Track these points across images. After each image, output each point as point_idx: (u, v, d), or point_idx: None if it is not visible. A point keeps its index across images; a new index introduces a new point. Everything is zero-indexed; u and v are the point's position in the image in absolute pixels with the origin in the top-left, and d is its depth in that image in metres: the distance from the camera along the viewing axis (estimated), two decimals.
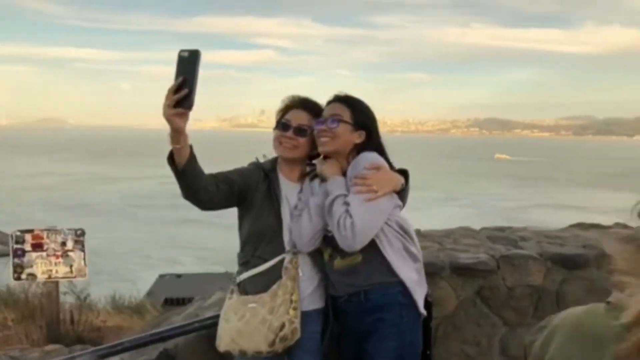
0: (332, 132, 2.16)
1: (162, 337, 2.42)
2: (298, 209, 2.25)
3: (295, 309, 2.14)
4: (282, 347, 2.12)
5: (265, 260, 2.17)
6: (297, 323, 2.14)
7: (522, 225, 3.66)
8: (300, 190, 2.30)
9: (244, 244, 2.26)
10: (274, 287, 2.13)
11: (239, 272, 2.24)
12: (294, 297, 2.14)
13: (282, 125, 2.24)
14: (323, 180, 2.22)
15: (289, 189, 2.26)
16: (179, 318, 3.10)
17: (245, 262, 2.22)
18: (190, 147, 1.93)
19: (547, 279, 2.84)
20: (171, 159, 1.92)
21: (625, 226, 3.64)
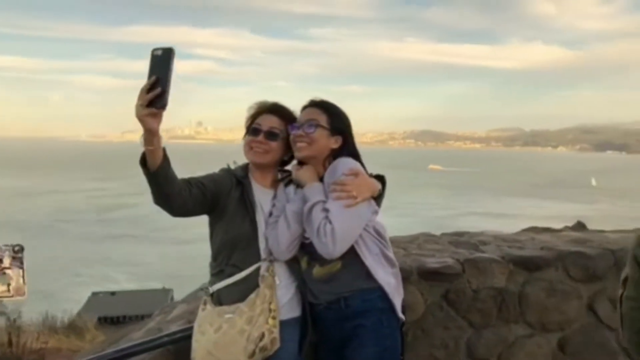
0: (309, 137, 2.13)
1: (128, 354, 2.28)
2: (274, 216, 2.20)
3: (274, 318, 2.09)
4: (261, 358, 2.07)
5: (241, 269, 2.11)
6: (276, 333, 2.09)
7: (479, 231, 3.76)
8: (274, 197, 2.26)
9: (216, 252, 2.18)
10: (252, 296, 2.07)
11: (212, 282, 2.16)
12: (272, 306, 2.09)
13: (252, 130, 2.20)
14: (299, 186, 2.19)
15: (262, 195, 2.21)
16: (139, 334, 2.94)
17: (219, 272, 2.14)
18: (164, 149, 1.85)
19: (510, 281, 2.93)
20: (143, 161, 1.83)
21: (573, 229, 3.83)
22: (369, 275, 2.10)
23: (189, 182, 2.01)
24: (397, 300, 2.16)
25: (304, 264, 2.20)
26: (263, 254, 2.13)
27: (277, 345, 2.09)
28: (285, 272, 2.19)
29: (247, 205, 2.14)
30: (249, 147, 2.21)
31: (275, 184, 2.29)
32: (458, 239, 3.40)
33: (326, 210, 2.00)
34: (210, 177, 2.14)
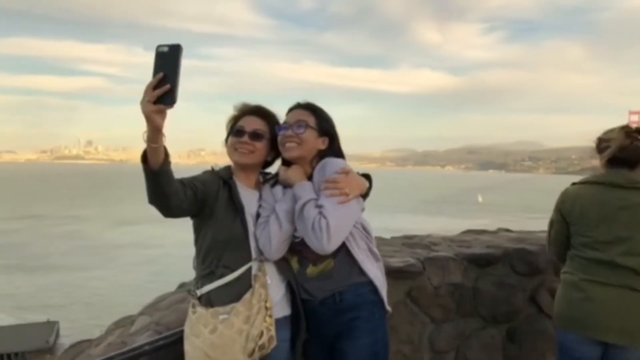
0: (298, 138, 2.18)
1: None
2: (263, 216, 2.21)
3: (270, 316, 2.10)
4: (259, 357, 2.06)
5: (232, 270, 2.09)
6: (273, 331, 2.09)
7: (425, 234, 3.99)
8: (260, 198, 2.28)
9: (205, 254, 2.14)
10: (247, 295, 2.06)
11: (201, 285, 2.12)
12: (267, 304, 2.09)
13: (236, 131, 2.21)
14: (287, 186, 2.23)
15: (247, 196, 2.22)
16: (97, 350, 2.78)
17: (209, 273, 2.10)
18: (165, 147, 1.82)
19: (465, 277, 3.14)
20: (144, 159, 1.79)
21: (507, 230, 4.19)
22: (360, 269, 2.18)
23: (182, 182, 1.99)
24: (384, 293, 2.26)
25: (294, 263, 2.23)
26: (254, 254, 2.13)
27: (274, 343, 2.10)
28: (275, 272, 2.21)
29: (237, 206, 2.14)
30: (233, 149, 2.21)
31: (258, 185, 2.31)
32: (409, 241, 3.59)
33: (319, 206, 2.05)
34: (199, 179, 2.11)
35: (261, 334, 2.05)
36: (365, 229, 2.26)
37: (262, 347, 2.05)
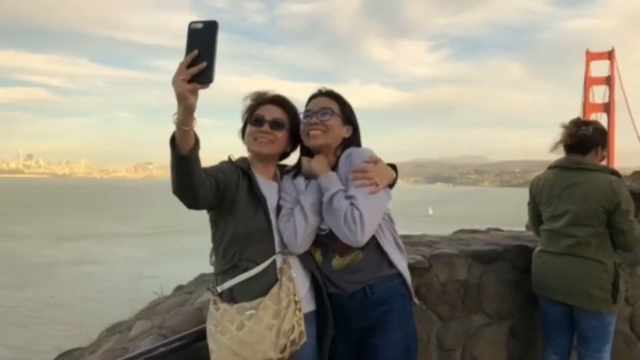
0: (324, 125, 2.12)
1: None
2: (286, 208, 2.13)
3: (299, 310, 2.01)
4: (289, 353, 1.96)
5: (257, 263, 1.98)
6: (303, 326, 2.01)
7: (420, 234, 3.97)
8: (279, 189, 2.19)
9: (226, 248, 2.02)
10: (274, 289, 1.96)
11: (222, 280, 2.00)
12: (296, 298, 2.01)
13: (254, 120, 2.12)
14: (310, 177, 2.15)
15: (266, 188, 2.13)
16: (94, 358, 2.58)
17: (231, 267, 1.99)
18: (194, 132, 1.71)
19: (470, 274, 3.14)
20: (173, 142, 1.67)
21: (497, 229, 4.23)
22: (389, 262, 2.12)
23: (205, 170, 1.87)
24: (411, 286, 2.20)
25: (318, 256, 2.16)
26: (277, 247, 2.05)
27: (305, 339, 2.00)
28: (299, 265, 2.12)
29: (259, 197, 2.05)
30: (252, 138, 2.12)
31: (276, 177, 2.23)
32: (409, 240, 3.56)
33: (350, 197, 1.99)
34: (218, 168, 2.00)
35: (292, 329, 1.95)
36: (391, 220, 2.21)
37: (293, 343, 1.95)
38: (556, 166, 3.02)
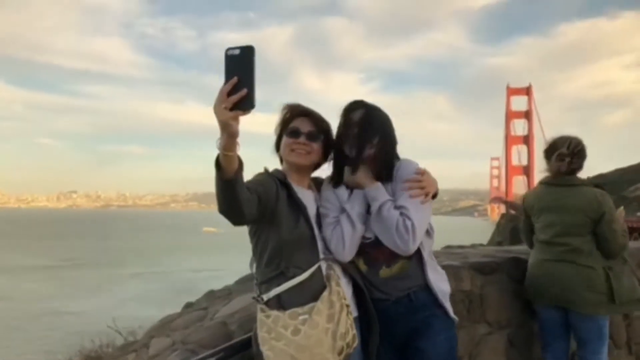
0: None
1: None
2: (332, 216, 2.18)
3: (350, 313, 2.05)
4: (345, 356, 1.98)
5: (304, 270, 2.01)
6: (354, 329, 2.03)
7: None
8: (315, 199, 2.24)
9: (270, 257, 2.03)
10: (325, 294, 1.98)
11: (268, 288, 2.00)
12: (346, 302, 2.04)
13: (291, 132, 2.18)
14: (353, 187, 2.21)
15: (304, 196, 2.17)
16: None
17: (277, 275, 2.00)
18: (238, 155, 1.74)
19: (473, 285, 3.26)
20: (217, 166, 1.71)
21: (481, 245, 4.41)
22: (430, 269, 2.21)
23: (247, 187, 1.90)
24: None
25: (362, 265, 2.21)
26: (321, 254, 2.08)
27: (357, 342, 2.03)
28: (341, 272, 2.16)
29: (300, 206, 2.08)
30: (289, 150, 2.17)
31: (311, 187, 2.27)
32: None
33: (400, 207, 2.07)
34: (257, 182, 2.02)
35: (347, 332, 1.98)
36: (432, 229, 2.29)
37: (348, 346, 1.99)
38: (547, 182, 3.25)
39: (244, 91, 1.58)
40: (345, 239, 2.10)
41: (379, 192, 2.13)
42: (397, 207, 2.07)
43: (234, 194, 1.74)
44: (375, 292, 2.18)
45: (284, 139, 2.18)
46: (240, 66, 1.60)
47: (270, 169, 2.17)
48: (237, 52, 1.62)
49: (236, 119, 1.60)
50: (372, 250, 2.17)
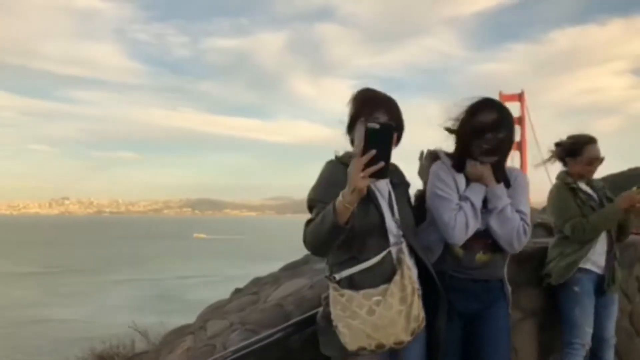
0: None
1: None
2: (455, 203, 2.32)
3: (420, 296, 2.14)
4: (415, 335, 2.09)
5: (375, 254, 2.09)
6: (423, 311, 2.13)
7: None
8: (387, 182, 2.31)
9: (343, 242, 2.06)
10: (396, 277, 2.07)
11: (340, 269, 2.08)
12: (416, 285, 2.13)
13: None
14: (473, 179, 2.36)
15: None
16: (174, 356, 2.56)
17: (350, 258, 2.08)
18: None
19: (509, 272, 3.37)
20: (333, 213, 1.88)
21: None
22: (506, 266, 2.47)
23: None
24: None
25: (458, 250, 2.35)
26: (391, 238, 2.14)
27: (424, 323, 2.13)
28: (408, 255, 2.21)
29: (370, 194, 2.11)
30: None
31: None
32: None
33: (521, 212, 2.31)
34: (331, 182, 2.08)
35: (419, 314, 2.09)
36: None
37: (419, 327, 2.10)
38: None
39: (381, 164, 1.81)
40: (469, 227, 2.27)
41: (503, 192, 2.32)
42: (517, 211, 2.30)
43: (337, 239, 1.94)
44: (464, 272, 2.36)
45: (358, 125, 2.16)
46: (379, 140, 1.82)
47: (340, 152, 2.23)
48: (377, 127, 1.84)
49: (367, 185, 1.83)
50: (472, 237, 2.33)
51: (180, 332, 2.87)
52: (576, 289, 3.37)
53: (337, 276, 2.06)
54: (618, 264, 3.41)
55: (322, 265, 3.19)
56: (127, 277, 44.79)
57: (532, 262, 3.54)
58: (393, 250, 2.12)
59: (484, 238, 2.33)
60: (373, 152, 1.78)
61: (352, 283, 2.05)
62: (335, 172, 2.11)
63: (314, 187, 2.12)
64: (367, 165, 1.80)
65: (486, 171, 2.33)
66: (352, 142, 2.29)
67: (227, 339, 2.49)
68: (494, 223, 2.29)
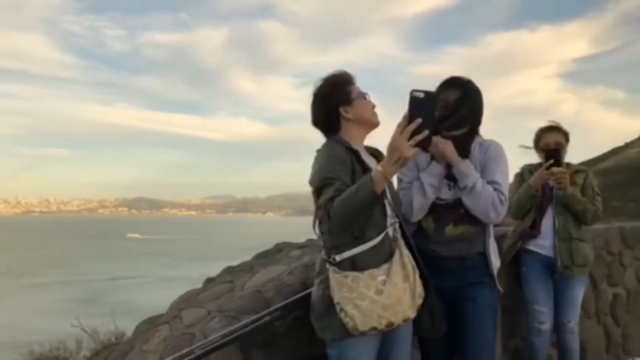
0: None
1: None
2: (405, 181, 2.37)
3: (416, 273, 2.16)
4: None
5: (377, 234, 2.08)
6: (421, 287, 2.15)
7: None
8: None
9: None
10: (396, 256, 2.08)
11: (340, 251, 2.05)
12: (413, 263, 2.15)
13: (363, 95, 2.24)
14: (436, 158, 2.37)
15: (370, 163, 2.20)
16: (151, 346, 2.46)
17: (352, 240, 2.05)
18: None
19: None
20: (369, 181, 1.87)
21: None
22: (484, 241, 2.43)
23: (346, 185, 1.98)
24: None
25: (430, 223, 2.39)
26: (390, 219, 2.15)
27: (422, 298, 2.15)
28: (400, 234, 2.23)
29: (367, 172, 2.06)
30: (373, 111, 2.27)
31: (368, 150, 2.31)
32: None
33: (494, 182, 2.31)
34: (342, 162, 2.07)
35: (422, 291, 2.12)
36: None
37: (420, 302, 2.12)
38: None
39: (427, 133, 1.75)
40: (414, 206, 2.31)
41: (470, 168, 2.32)
42: (489, 183, 2.30)
43: (369, 210, 1.94)
44: (434, 247, 2.38)
45: (361, 101, 2.22)
46: (424, 109, 1.77)
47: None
48: (421, 95, 1.78)
49: (414, 154, 1.80)
50: (444, 210, 2.37)
51: (151, 323, 2.75)
52: (523, 269, 3.54)
53: (338, 257, 2.03)
54: (581, 249, 3.43)
55: (297, 252, 3.19)
56: (52, 280, 42.78)
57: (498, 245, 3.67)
58: (390, 229, 2.14)
59: (455, 208, 2.35)
60: (419, 120, 1.74)
61: (354, 264, 2.02)
62: (338, 152, 2.11)
63: (324, 166, 2.05)
64: (413, 134, 1.76)
65: (448, 148, 2.33)
66: (330, 131, 2.24)
67: (206, 327, 2.40)
68: (467, 200, 2.31)
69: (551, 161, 3.27)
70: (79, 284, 40.32)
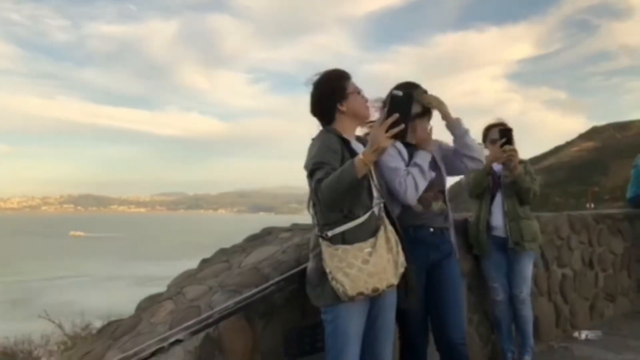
0: None
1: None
2: (403, 169, 2.72)
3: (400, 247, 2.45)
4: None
5: (364, 212, 2.35)
6: (404, 257, 2.43)
7: None
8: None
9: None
10: (381, 232, 2.36)
11: (332, 228, 2.31)
12: (396, 238, 2.44)
13: (359, 92, 2.53)
14: (420, 146, 2.80)
15: (358, 149, 2.43)
16: (158, 318, 2.65)
17: (342, 218, 2.31)
18: None
19: None
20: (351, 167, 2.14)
21: None
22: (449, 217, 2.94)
23: (334, 168, 2.24)
24: None
25: (417, 205, 2.79)
26: (375, 199, 2.42)
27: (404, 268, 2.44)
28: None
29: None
30: (367, 105, 2.57)
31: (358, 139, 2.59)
32: None
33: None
34: (333, 149, 2.33)
35: (404, 261, 2.41)
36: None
37: (402, 271, 2.42)
38: None
39: (402, 126, 2.07)
40: (419, 188, 2.69)
41: (460, 121, 2.85)
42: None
43: (352, 192, 2.19)
44: (425, 222, 2.80)
45: (355, 97, 2.49)
46: (401, 106, 2.10)
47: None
48: (400, 94, 2.12)
49: (389, 145, 2.11)
50: (424, 193, 2.76)
51: (153, 300, 2.92)
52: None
53: (330, 233, 2.30)
54: (530, 226, 3.92)
55: (286, 234, 3.42)
56: None
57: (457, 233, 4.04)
58: (375, 209, 2.42)
59: (432, 187, 2.79)
60: (396, 115, 2.05)
61: (344, 239, 2.30)
62: (330, 140, 2.38)
63: (317, 152, 2.30)
64: (390, 127, 2.07)
65: (427, 137, 2.82)
66: (326, 122, 2.51)
67: (211, 300, 2.61)
68: (469, 140, 2.83)
69: (504, 139, 3.69)
70: (11, 285, 38.16)
